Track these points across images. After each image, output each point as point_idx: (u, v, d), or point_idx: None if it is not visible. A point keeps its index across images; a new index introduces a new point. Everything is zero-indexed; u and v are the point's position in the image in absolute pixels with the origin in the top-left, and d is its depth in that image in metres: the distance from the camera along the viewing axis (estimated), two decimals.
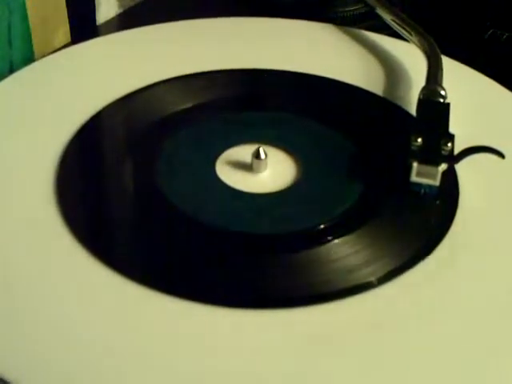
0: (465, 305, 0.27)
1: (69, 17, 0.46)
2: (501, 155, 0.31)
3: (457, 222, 0.31)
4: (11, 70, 0.42)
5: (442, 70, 0.36)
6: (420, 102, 0.34)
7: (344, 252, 0.29)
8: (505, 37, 0.46)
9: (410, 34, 0.40)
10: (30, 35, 0.43)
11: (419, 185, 0.31)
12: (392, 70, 0.41)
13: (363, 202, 0.32)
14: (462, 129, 0.33)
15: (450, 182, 0.32)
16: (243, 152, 0.34)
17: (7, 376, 0.24)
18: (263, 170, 0.34)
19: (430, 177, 0.31)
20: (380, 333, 0.26)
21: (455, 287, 0.28)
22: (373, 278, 0.28)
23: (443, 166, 0.31)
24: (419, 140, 0.31)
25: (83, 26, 0.47)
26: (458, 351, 0.26)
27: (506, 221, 0.31)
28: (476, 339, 0.26)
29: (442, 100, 0.34)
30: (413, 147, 0.31)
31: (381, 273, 0.28)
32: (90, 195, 0.32)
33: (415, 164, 0.31)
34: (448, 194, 0.32)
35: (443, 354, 0.25)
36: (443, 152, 0.31)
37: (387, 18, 0.43)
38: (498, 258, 0.29)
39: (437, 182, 0.31)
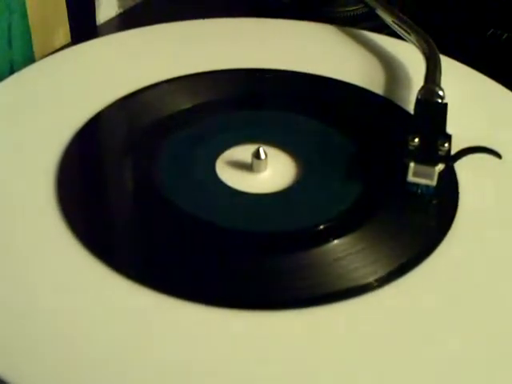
0: (464, 306, 0.27)
1: (69, 17, 0.46)
2: (498, 155, 0.31)
3: (457, 222, 0.31)
4: (11, 71, 0.42)
5: (440, 70, 0.36)
6: (418, 102, 0.34)
7: (343, 252, 0.29)
8: (505, 37, 0.46)
9: (409, 35, 0.40)
10: (30, 35, 0.43)
11: (416, 185, 0.31)
12: (392, 69, 0.41)
13: (363, 202, 0.32)
14: (461, 129, 0.33)
15: (450, 183, 0.32)
16: (243, 152, 0.34)
17: (7, 376, 0.24)
18: (263, 170, 0.34)
19: (427, 177, 0.31)
20: (379, 334, 0.26)
21: (455, 288, 0.28)
22: (372, 279, 0.28)
23: (440, 166, 0.31)
24: (416, 140, 0.31)
25: (83, 26, 0.47)
26: (458, 352, 0.26)
27: (507, 221, 0.31)
28: (475, 339, 0.26)
29: (439, 100, 0.34)
30: (410, 147, 0.31)
31: (380, 274, 0.28)
32: (90, 195, 0.32)
33: (412, 164, 0.31)
34: (448, 195, 0.32)
35: (443, 355, 0.26)
36: (440, 152, 0.31)
37: (387, 18, 0.43)
38: (498, 258, 0.29)
39: (433, 182, 0.31)
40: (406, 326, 0.27)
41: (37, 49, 0.44)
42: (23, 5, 0.42)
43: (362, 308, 0.27)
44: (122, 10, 0.52)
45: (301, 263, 0.29)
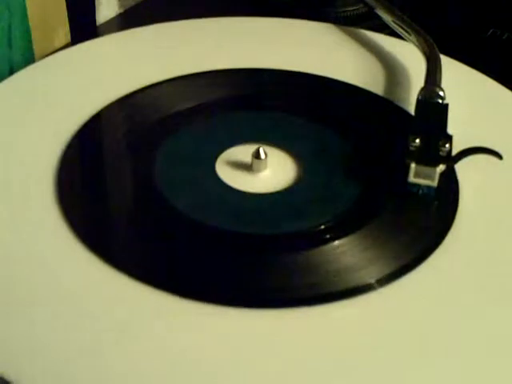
0: (465, 306, 0.27)
1: (69, 17, 0.46)
2: (498, 156, 0.31)
3: (457, 223, 0.31)
4: (11, 71, 0.42)
5: (440, 70, 0.36)
6: (418, 103, 0.34)
7: (343, 253, 0.29)
8: (505, 37, 0.46)
9: (409, 35, 0.40)
10: (30, 35, 0.43)
11: (417, 185, 0.31)
12: (392, 69, 0.41)
13: (363, 202, 0.32)
14: (462, 129, 0.33)
15: (450, 183, 0.32)
16: (243, 152, 0.34)
17: (7, 376, 0.24)
18: (263, 170, 0.34)
19: (428, 178, 0.31)
20: (379, 334, 0.26)
21: (455, 288, 0.28)
22: (372, 280, 0.28)
23: (441, 167, 0.31)
24: (417, 141, 0.31)
25: (83, 26, 0.47)
26: (458, 352, 0.26)
27: (507, 221, 0.31)
28: (475, 339, 0.26)
29: (440, 101, 0.34)
30: (411, 148, 0.31)
31: (381, 274, 0.28)
32: (90, 195, 0.32)
33: (413, 165, 0.31)
34: (448, 195, 0.32)
35: (443, 355, 0.26)
36: (441, 153, 0.31)
37: (386, 18, 0.43)
38: (497, 258, 0.29)
39: (434, 183, 0.31)
40: (406, 325, 0.27)
41: (37, 49, 0.44)
42: (23, 5, 0.42)
43: (362, 308, 0.27)
44: (122, 10, 0.52)
45: (301, 263, 0.29)
